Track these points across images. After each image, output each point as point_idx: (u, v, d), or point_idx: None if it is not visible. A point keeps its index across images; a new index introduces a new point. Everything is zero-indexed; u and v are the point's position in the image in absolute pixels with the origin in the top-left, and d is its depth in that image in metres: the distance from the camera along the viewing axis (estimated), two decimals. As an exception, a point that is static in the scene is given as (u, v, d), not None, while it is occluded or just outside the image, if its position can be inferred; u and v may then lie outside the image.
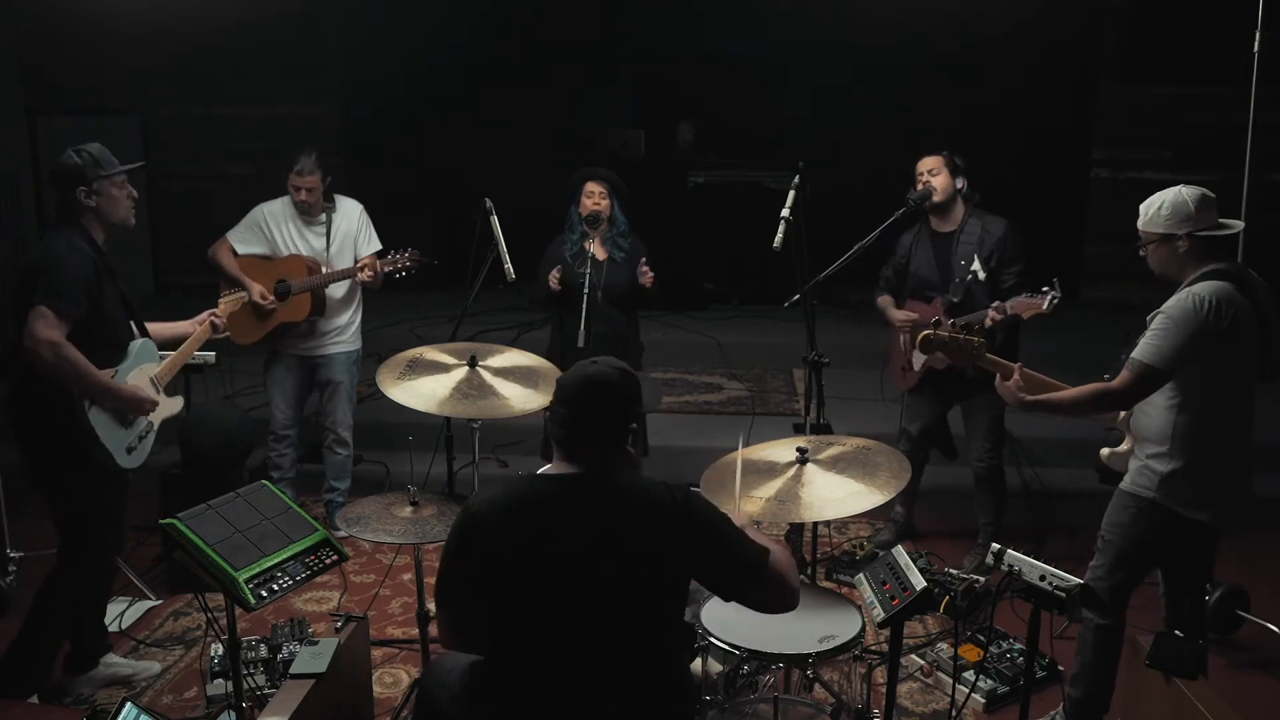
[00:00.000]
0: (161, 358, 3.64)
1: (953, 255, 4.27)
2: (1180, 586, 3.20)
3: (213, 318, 3.87)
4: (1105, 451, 3.29)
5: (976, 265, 4.21)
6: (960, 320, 4.05)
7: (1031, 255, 4.29)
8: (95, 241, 3.39)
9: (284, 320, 4.56)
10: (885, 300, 4.52)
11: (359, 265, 4.56)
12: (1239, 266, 3.03)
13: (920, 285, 4.38)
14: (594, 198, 4.41)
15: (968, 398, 4.38)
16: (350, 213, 4.70)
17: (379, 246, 4.74)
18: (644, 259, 4.41)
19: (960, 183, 4.27)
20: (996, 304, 3.95)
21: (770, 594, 2.34)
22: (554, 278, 4.34)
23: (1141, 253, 3.10)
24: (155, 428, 3.59)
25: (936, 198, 4.25)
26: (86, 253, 3.32)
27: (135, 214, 3.51)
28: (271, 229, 4.59)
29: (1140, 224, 3.07)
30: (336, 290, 4.64)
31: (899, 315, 4.41)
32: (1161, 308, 2.97)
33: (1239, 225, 3.03)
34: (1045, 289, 3.82)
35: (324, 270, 4.56)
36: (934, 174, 4.26)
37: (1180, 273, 3.03)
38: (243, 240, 4.59)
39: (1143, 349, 2.92)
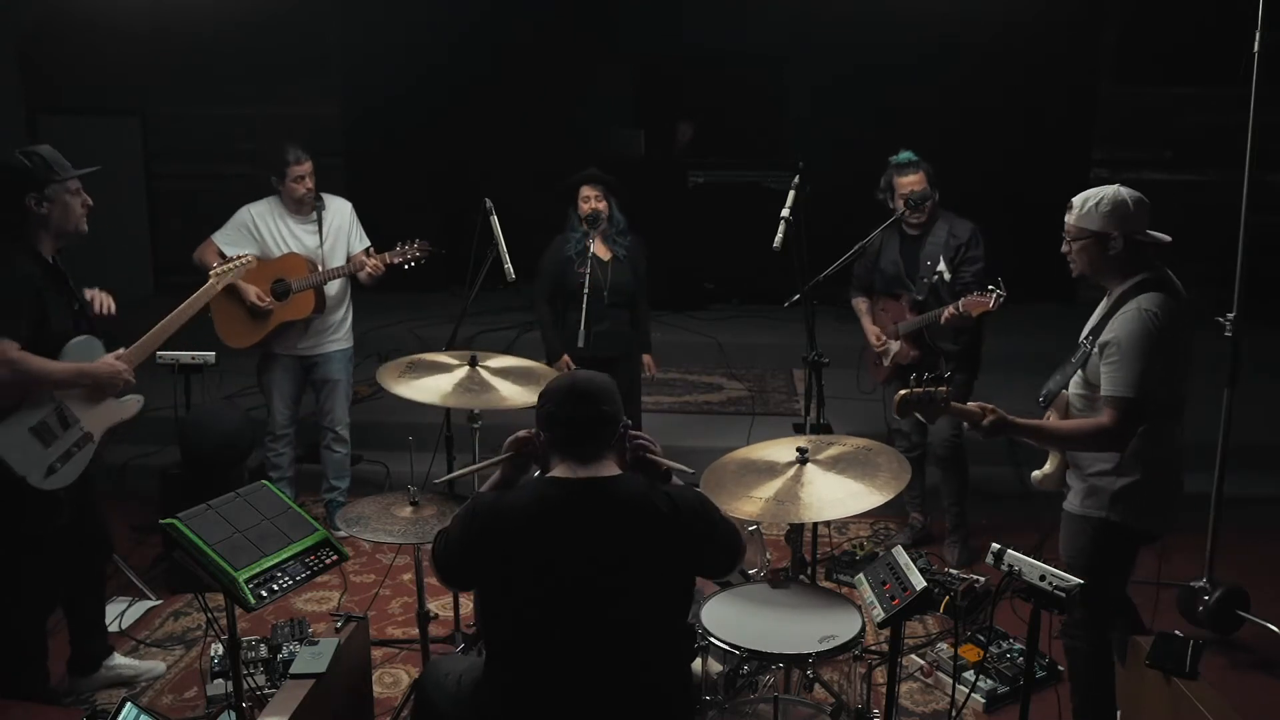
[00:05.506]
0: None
1: (920, 254, 4.41)
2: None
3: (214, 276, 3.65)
4: (1037, 475, 3.20)
5: (943, 266, 4.35)
6: (925, 318, 4.27)
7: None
8: (38, 254, 3.18)
9: (287, 319, 4.55)
10: (859, 303, 4.72)
11: (369, 260, 4.54)
12: (1164, 271, 2.92)
13: (888, 283, 4.53)
14: (590, 201, 4.49)
15: None
16: (341, 209, 4.70)
17: (368, 243, 4.75)
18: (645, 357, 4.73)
19: (936, 194, 4.40)
20: (953, 304, 4.11)
21: (736, 560, 2.53)
22: (566, 365, 4.50)
23: (1065, 249, 2.98)
24: (96, 438, 3.36)
25: (922, 216, 4.38)
26: (22, 270, 3.12)
27: (88, 219, 3.30)
28: (260, 229, 4.54)
29: (1071, 218, 2.93)
30: (331, 287, 4.63)
31: (870, 329, 4.62)
32: (1107, 335, 2.84)
33: (1166, 239, 2.91)
34: (990, 287, 3.94)
35: (320, 268, 4.56)
36: (926, 195, 4.34)
37: (1107, 276, 2.93)
38: (230, 242, 4.50)
39: (1113, 383, 2.80)
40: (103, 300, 3.51)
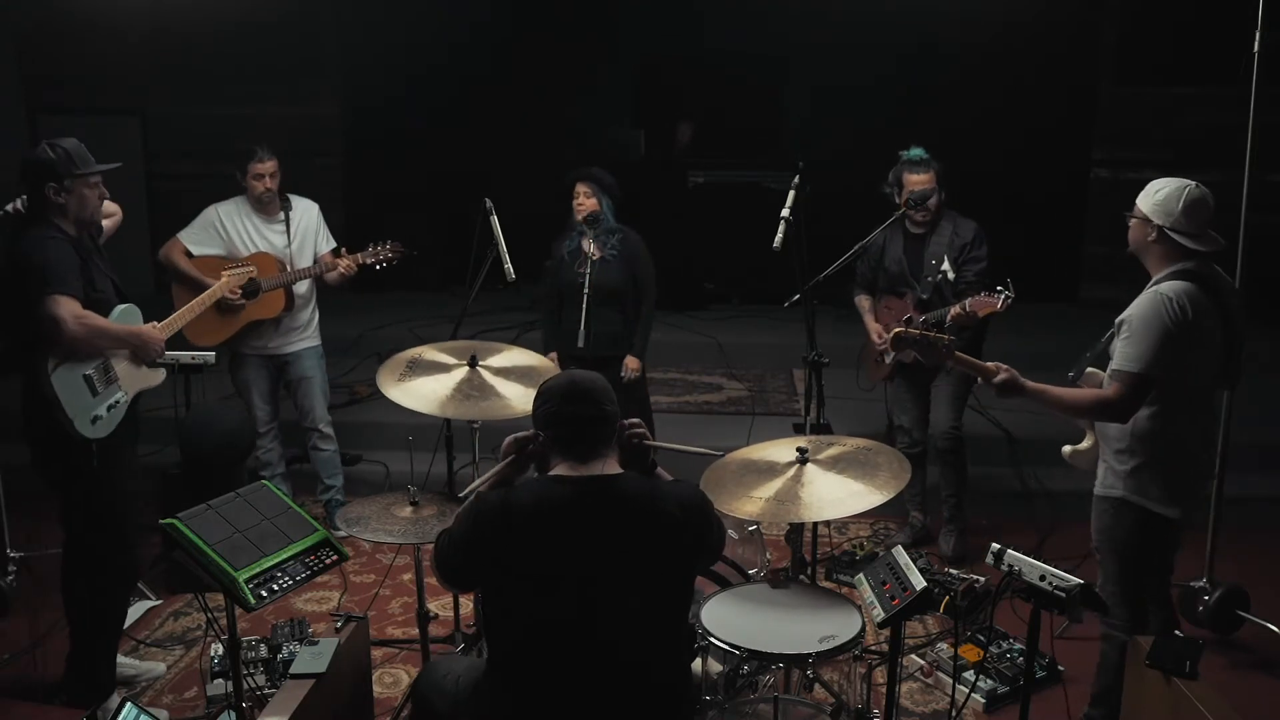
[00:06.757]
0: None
1: (924, 253, 4.43)
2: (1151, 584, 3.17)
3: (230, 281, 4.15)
4: (1067, 449, 3.28)
5: (946, 265, 4.37)
6: (929, 317, 4.23)
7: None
8: (68, 233, 3.36)
9: (256, 317, 4.55)
10: (862, 300, 4.72)
11: (341, 260, 4.55)
12: (1207, 265, 2.99)
13: (893, 281, 4.54)
14: (579, 199, 4.49)
15: (938, 375, 4.52)
16: (308, 210, 4.71)
17: (334, 244, 4.77)
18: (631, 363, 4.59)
19: (942, 193, 4.41)
20: (959, 304, 4.08)
21: (719, 555, 2.67)
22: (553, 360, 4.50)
23: (1129, 222, 3.07)
24: (129, 399, 3.52)
25: (926, 215, 4.39)
26: (66, 240, 3.33)
27: (105, 212, 3.51)
28: (227, 228, 4.55)
29: (1139, 197, 3.03)
30: (299, 287, 4.64)
31: (872, 327, 4.61)
32: (1124, 314, 2.95)
33: (1220, 244, 2.97)
34: (999, 288, 3.92)
35: (289, 267, 4.56)
36: (931, 194, 4.35)
37: (1147, 259, 3.03)
38: (196, 241, 4.53)
39: (1121, 358, 2.90)
40: None
